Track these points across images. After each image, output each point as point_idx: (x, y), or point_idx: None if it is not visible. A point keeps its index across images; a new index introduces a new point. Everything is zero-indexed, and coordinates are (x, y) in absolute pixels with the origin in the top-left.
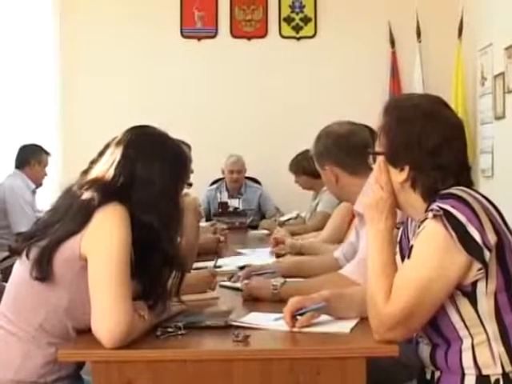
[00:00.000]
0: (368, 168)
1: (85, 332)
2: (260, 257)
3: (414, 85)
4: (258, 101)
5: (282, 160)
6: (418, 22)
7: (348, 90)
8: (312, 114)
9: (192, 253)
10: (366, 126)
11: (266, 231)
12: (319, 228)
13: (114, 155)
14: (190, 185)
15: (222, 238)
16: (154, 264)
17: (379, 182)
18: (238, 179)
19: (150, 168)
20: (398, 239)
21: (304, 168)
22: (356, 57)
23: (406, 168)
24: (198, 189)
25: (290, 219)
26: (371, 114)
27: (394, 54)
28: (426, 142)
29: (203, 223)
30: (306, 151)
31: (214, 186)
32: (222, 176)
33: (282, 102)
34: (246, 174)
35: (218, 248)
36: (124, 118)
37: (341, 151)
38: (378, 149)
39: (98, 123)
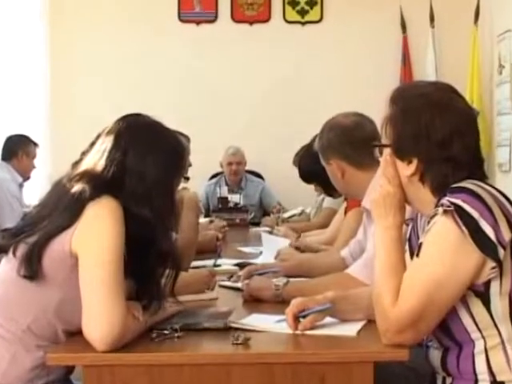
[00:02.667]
0: (375, 162)
1: (75, 334)
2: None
3: (426, 73)
4: (260, 90)
5: (286, 153)
6: (431, 6)
7: (356, 79)
8: (318, 103)
9: (190, 252)
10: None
11: (268, 228)
12: (324, 225)
13: (105, 145)
14: (188, 179)
15: (220, 236)
16: (149, 261)
17: (386, 175)
18: (237, 171)
19: (142, 159)
20: (407, 236)
21: None
22: (365, 43)
23: (414, 161)
24: (197, 183)
25: (293, 216)
26: (380, 105)
27: (405, 39)
28: (435, 133)
29: (201, 219)
30: (311, 143)
31: (213, 180)
32: (221, 170)
33: (285, 91)
34: (247, 168)
35: (216, 246)
36: (117, 107)
37: (346, 144)
38: (384, 141)
39: (89, 112)
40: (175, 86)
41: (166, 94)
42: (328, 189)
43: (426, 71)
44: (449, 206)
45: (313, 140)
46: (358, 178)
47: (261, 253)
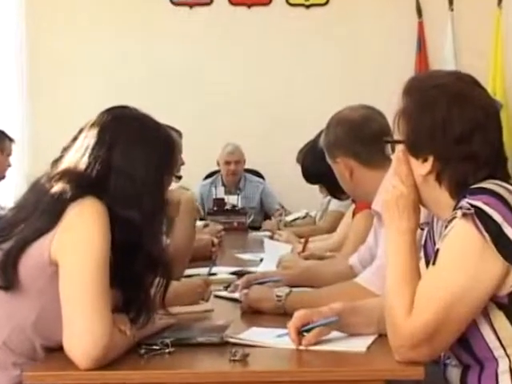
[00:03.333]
0: (387, 159)
1: (56, 351)
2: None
3: (444, 61)
4: (260, 79)
5: (289, 150)
6: None
7: (366, 68)
8: (323, 95)
9: (184, 259)
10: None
11: (268, 233)
12: (331, 230)
13: (88, 140)
14: (179, 178)
15: (216, 241)
16: (137, 269)
17: (399, 174)
18: (235, 171)
19: (129, 155)
20: (422, 242)
21: None
22: (375, 28)
23: (430, 158)
24: (191, 184)
25: (297, 219)
26: (392, 97)
27: (421, 24)
28: (453, 127)
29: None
30: (316, 140)
31: (209, 180)
32: (217, 168)
33: (288, 81)
34: (246, 166)
35: (211, 253)
36: (101, 100)
37: (355, 140)
38: (396, 136)
39: (71, 104)
40: (167, 76)
41: (156, 85)
42: (334, 190)
43: (444, 60)
44: (468, 209)
45: (318, 136)
46: (367, 177)
47: (261, 260)
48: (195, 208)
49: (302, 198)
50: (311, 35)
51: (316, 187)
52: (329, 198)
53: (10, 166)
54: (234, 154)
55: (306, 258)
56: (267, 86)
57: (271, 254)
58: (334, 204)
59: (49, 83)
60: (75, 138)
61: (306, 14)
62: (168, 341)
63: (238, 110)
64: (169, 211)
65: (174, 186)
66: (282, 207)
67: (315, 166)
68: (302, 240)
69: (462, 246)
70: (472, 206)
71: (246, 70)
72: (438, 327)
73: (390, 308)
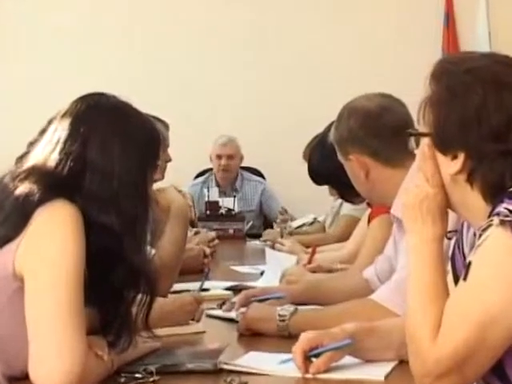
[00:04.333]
0: (409, 156)
1: (20, 380)
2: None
3: (476, 39)
4: (259, 65)
5: (293, 144)
6: None
7: (384, 48)
8: (336, 80)
9: (172, 272)
10: None
11: (269, 242)
12: (343, 238)
13: (59, 133)
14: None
15: (208, 251)
16: (116, 283)
17: (424, 173)
18: (228, 167)
19: (107, 150)
20: (449, 254)
21: None
22: (396, 2)
23: (461, 155)
24: (180, 184)
25: (303, 225)
26: (416, 82)
27: None
28: (489, 119)
29: None
30: (325, 133)
31: (200, 179)
32: (210, 166)
33: (293, 66)
34: (244, 164)
35: (203, 265)
36: (75, 87)
37: (371, 134)
38: (421, 129)
39: (38, 92)
40: (153, 62)
41: (141, 71)
42: (346, 192)
43: (476, 37)
44: (507, 216)
45: (327, 129)
46: (385, 177)
47: (261, 273)
48: (187, 216)
49: (309, 201)
50: (320, 10)
51: (325, 188)
52: (340, 201)
53: None
54: (226, 146)
55: (313, 271)
56: (269, 72)
57: (273, 267)
58: (347, 208)
59: (10, 73)
60: (43, 131)
61: None
62: (152, 368)
63: (236, 100)
64: (154, 215)
65: (158, 185)
66: (286, 212)
67: (324, 164)
68: (309, 250)
69: (499, 258)
70: (511, 212)
71: (243, 54)
72: (470, 353)
73: (412, 330)
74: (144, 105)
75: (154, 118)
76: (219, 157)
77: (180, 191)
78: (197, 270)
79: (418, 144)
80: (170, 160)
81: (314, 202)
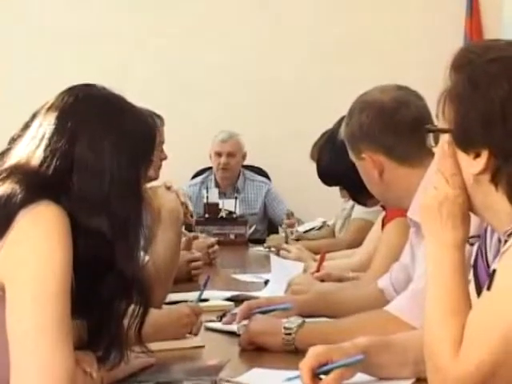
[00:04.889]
0: (427, 154)
1: None
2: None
3: (501, 27)
4: (264, 56)
5: (300, 143)
6: None
7: (400, 35)
8: (347, 73)
9: (166, 281)
10: None
11: (273, 248)
12: (355, 243)
13: (44, 129)
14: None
15: (197, 255)
16: (106, 293)
17: (443, 173)
18: (228, 166)
19: (96, 146)
20: (471, 261)
21: None
22: None
23: (484, 153)
24: (176, 184)
25: (311, 230)
26: (435, 73)
27: None
28: None
29: None
30: (335, 129)
31: (198, 179)
32: (210, 165)
33: (300, 56)
34: (247, 162)
35: (197, 273)
36: (63, 80)
37: (385, 130)
38: (440, 124)
39: (22, 85)
40: (148, 53)
41: (136, 63)
42: (358, 194)
43: (501, 24)
44: None
45: (337, 124)
46: (401, 177)
47: (266, 282)
48: (180, 219)
49: (318, 204)
50: None
51: (335, 190)
52: (352, 203)
53: None
54: (226, 142)
55: (322, 280)
56: (273, 63)
57: (278, 275)
58: (359, 211)
59: None
60: (27, 126)
61: None
62: None
63: (237, 93)
64: (148, 217)
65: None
66: (292, 215)
67: (334, 163)
68: (318, 257)
69: None
70: None
71: (244, 43)
72: (495, 370)
73: (431, 345)
74: (138, 97)
75: (148, 111)
76: (219, 154)
77: (169, 188)
78: (183, 278)
79: (436, 141)
80: (165, 158)
81: (323, 205)
